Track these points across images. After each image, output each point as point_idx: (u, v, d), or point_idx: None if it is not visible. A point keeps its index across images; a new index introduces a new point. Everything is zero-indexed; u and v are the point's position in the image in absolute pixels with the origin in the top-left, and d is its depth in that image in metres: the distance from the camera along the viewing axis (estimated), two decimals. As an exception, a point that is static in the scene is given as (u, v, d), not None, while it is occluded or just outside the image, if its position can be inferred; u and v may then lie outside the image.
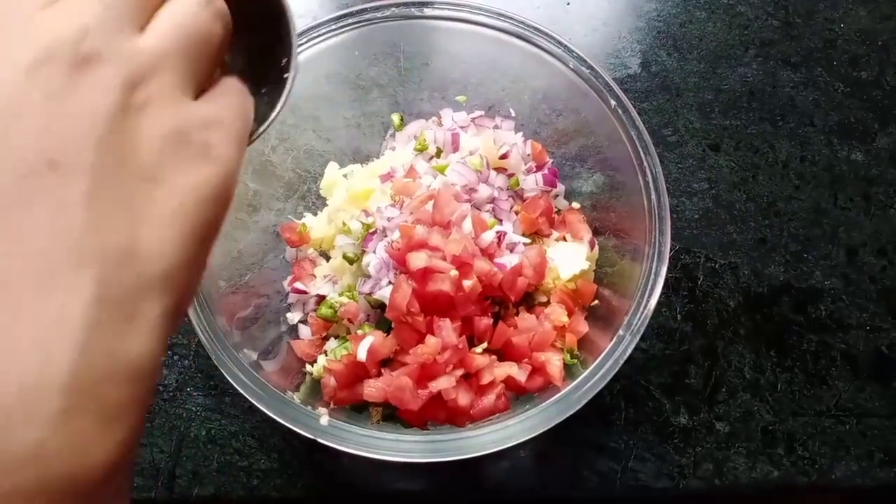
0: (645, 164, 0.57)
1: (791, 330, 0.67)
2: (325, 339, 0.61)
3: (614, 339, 0.53)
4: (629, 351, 0.52)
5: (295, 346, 0.60)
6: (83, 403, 0.25)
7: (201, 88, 0.32)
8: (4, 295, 0.25)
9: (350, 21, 0.62)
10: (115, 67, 0.28)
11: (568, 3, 0.81)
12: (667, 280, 0.67)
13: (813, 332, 0.67)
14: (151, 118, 0.29)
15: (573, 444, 0.63)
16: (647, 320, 0.53)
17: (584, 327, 0.60)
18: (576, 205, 0.67)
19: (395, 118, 0.70)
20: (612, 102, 0.58)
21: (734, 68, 0.79)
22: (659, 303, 0.66)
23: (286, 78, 0.38)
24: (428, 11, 0.62)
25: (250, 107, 0.35)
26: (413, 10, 0.62)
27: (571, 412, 0.51)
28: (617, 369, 0.52)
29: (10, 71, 0.27)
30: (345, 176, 0.66)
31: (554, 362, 0.57)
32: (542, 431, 0.51)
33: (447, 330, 0.55)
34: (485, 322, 0.58)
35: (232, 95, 0.33)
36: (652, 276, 0.54)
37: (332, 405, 0.56)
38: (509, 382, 0.57)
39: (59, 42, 0.27)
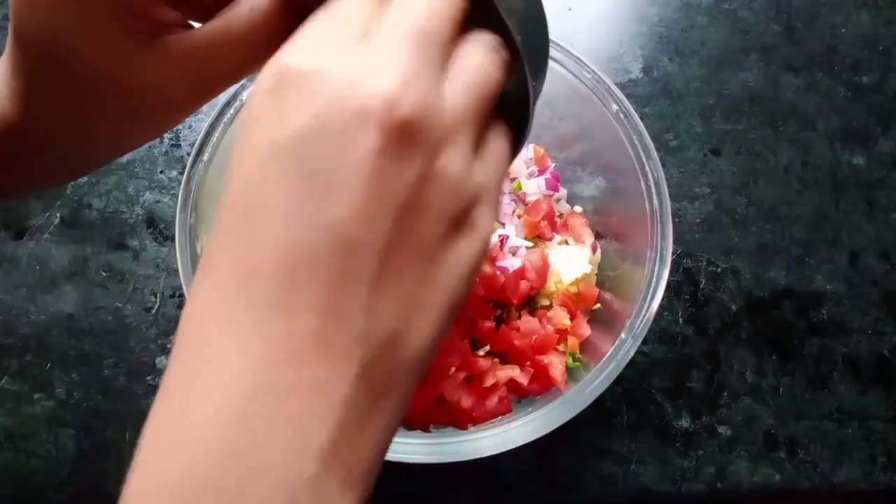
0: (647, 168, 0.57)
1: (793, 334, 0.67)
2: None
3: (616, 343, 0.53)
4: (631, 354, 0.52)
5: None
6: (331, 472, 0.26)
7: (480, 142, 0.30)
8: (276, 369, 0.25)
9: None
10: (424, 136, 0.26)
11: (570, 9, 0.81)
12: (668, 284, 0.67)
13: (815, 337, 0.67)
14: (440, 192, 0.27)
15: (575, 448, 0.63)
16: (650, 324, 0.53)
17: (586, 331, 0.60)
18: (578, 209, 0.67)
19: None
20: (614, 107, 0.59)
21: (735, 73, 0.79)
22: (661, 306, 0.66)
23: (524, 129, 0.33)
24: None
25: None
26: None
27: (573, 415, 0.51)
28: (619, 372, 0.52)
29: (329, 119, 0.25)
30: None
31: (556, 365, 0.57)
32: (544, 434, 0.51)
33: (451, 333, 0.55)
34: (487, 325, 0.58)
35: (503, 149, 0.31)
36: (654, 280, 0.54)
37: None
38: (512, 385, 0.57)
39: (374, 98, 0.25)
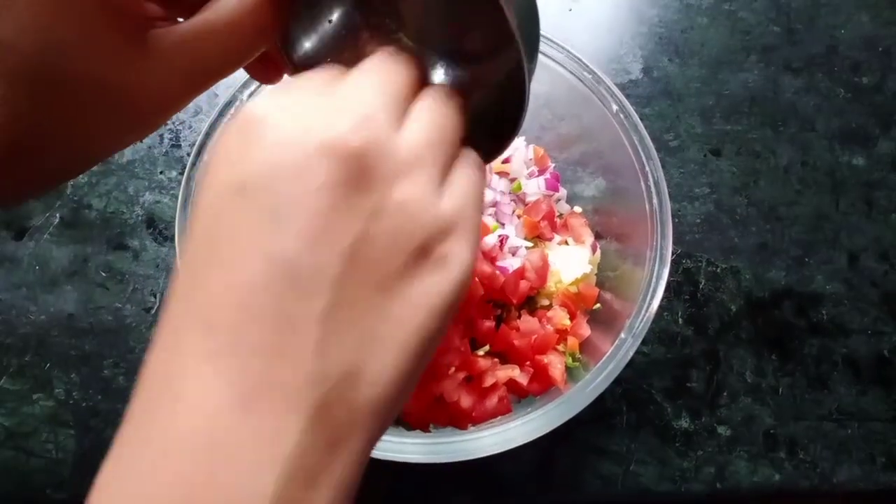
0: (647, 168, 0.57)
1: (793, 334, 0.67)
2: None
3: (616, 342, 0.53)
4: (631, 353, 0.52)
5: None
6: None
7: (443, 178, 0.30)
8: (224, 419, 0.25)
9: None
10: (378, 170, 0.27)
11: (570, 10, 0.81)
12: (668, 284, 0.67)
13: (814, 337, 0.67)
14: (396, 224, 0.27)
15: (575, 448, 0.63)
16: (649, 323, 0.53)
17: (586, 331, 0.60)
18: (578, 209, 0.67)
19: None
20: (615, 107, 0.59)
21: (735, 74, 0.79)
22: (660, 307, 0.66)
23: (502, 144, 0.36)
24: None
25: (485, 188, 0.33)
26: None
27: (573, 414, 0.51)
28: (619, 372, 0.52)
29: (298, 150, 0.26)
30: None
31: (556, 365, 0.57)
32: (543, 434, 0.51)
33: (450, 337, 0.55)
34: (487, 325, 0.58)
35: (472, 182, 0.31)
36: (654, 280, 0.54)
37: None
38: (511, 385, 0.57)
39: (328, 137, 0.26)
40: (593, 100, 0.60)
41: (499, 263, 0.58)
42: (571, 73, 0.61)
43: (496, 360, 0.58)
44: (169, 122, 0.68)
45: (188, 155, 0.67)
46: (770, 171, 0.74)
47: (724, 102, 0.77)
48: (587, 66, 0.60)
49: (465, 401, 0.54)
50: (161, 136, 0.70)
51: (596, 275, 0.63)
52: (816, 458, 0.63)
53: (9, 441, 0.64)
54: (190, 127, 0.71)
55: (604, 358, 0.52)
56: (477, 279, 0.55)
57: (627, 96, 0.74)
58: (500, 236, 0.60)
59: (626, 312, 0.54)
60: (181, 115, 0.70)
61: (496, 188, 0.63)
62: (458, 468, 0.60)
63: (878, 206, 0.72)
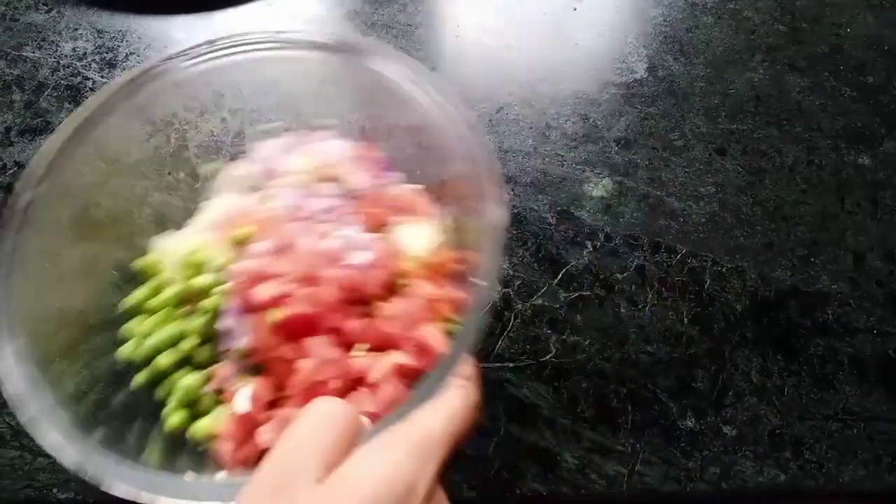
0: (460, 126, 0.56)
1: (798, 334, 0.67)
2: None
3: (473, 288, 0.51)
4: (494, 297, 0.51)
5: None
6: None
7: None
8: None
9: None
10: None
11: (574, 9, 0.82)
12: (673, 284, 0.68)
13: (820, 337, 0.67)
14: None
15: (579, 447, 0.63)
16: (496, 265, 0.51)
17: (453, 293, 0.59)
18: (413, 186, 0.66)
19: (206, 170, 0.67)
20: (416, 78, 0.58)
21: (741, 73, 0.79)
22: (665, 307, 0.67)
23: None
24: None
25: None
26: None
27: (457, 362, 0.50)
28: (482, 317, 0.49)
29: None
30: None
31: (433, 333, 0.55)
32: (440, 386, 0.50)
33: (318, 346, 0.53)
34: (353, 324, 0.56)
35: None
36: (493, 222, 0.52)
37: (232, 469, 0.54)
38: (403, 371, 0.55)
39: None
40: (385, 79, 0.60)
41: (348, 262, 0.58)
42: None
43: (377, 354, 0.56)
44: (175, 121, 0.67)
45: (196, 156, 0.67)
46: (775, 171, 0.74)
47: (729, 102, 0.77)
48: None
49: (364, 404, 0.53)
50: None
51: (448, 240, 0.63)
52: (822, 458, 0.63)
53: (14, 440, 0.64)
54: (196, 127, 0.71)
55: (469, 305, 0.51)
56: (328, 285, 0.54)
57: (632, 96, 0.75)
58: (342, 237, 0.58)
59: (482, 262, 0.54)
60: (188, 115, 0.70)
61: (326, 194, 0.63)
62: (458, 466, 0.60)
63: (884, 206, 0.72)
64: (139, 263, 0.62)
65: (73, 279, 0.61)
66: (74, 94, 0.62)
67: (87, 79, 0.64)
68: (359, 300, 0.58)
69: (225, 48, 0.61)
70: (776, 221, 0.72)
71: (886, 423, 0.65)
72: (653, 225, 0.71)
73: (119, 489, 0.47)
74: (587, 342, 0.66)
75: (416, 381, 0.56)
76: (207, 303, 0.57)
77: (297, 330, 0.54)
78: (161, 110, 0.63)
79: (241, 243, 0.58)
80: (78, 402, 0.54)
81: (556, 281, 0.68)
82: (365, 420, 0.42)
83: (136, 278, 0.63)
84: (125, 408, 0.58)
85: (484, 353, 0.66)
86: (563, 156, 0.73)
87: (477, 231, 0.58)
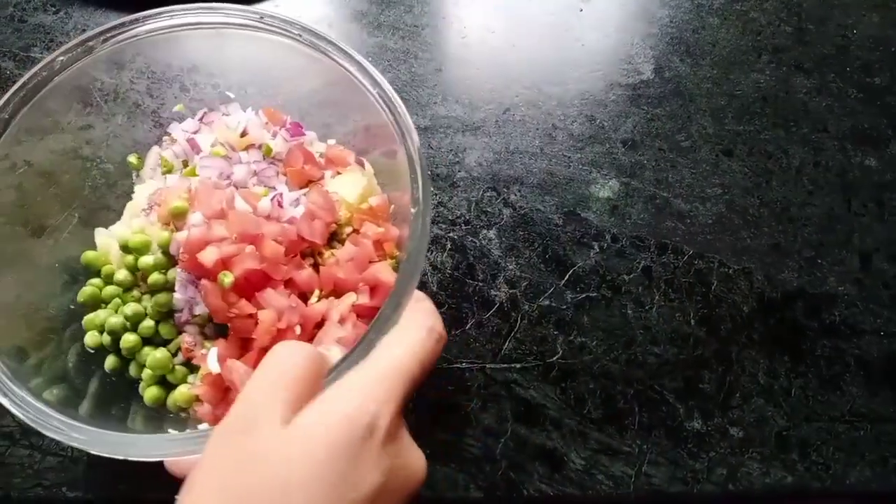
0: (364, 82, 0.58)
1: (805, 335, 0.67)
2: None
3: (412, 216, 0.53)
4: (427, 218, 0.52)
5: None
6: None
7: None
8: None
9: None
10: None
11: (581, 10, 0.82)
12: (680, 285, 0.68)
13: (827, 338, 0.67)
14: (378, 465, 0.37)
15: (586, 447, 0.63)
16: (424, 189, 0.53)
17: (394, 230, 0.61)
18: (332, 141, 0.68)
19: (133, 158, 0.68)
20: (301, 35, 0.60)
21: (747, 74, 0.79)
22: (672, 308, 0.67)
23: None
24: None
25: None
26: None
27: (412, 287, 0.49)
28: (427, 235, 0.51)
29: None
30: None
31: (382, 270, 0.58)
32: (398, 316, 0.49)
33: (273, 297, 0.55)
34: (305, 273, 0.58)
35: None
36: (412, 153, 0.55)
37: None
38: (360, 311, 0.57)
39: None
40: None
41: (285, 218, 0.59)
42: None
43: (332, 299, 0.58)
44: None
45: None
46: (782, 172, 0.74)
47: (735, 103, 0.77)
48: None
49: (329, 343, 0.54)
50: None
51: (378, 185, 0.65)
52: (829, 459, 0.63)
53: (24, 439, 0.64)
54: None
55: (408, 239, 0.52)
56: (271, 241, 0.56)
57: (639, 97, 0.75)
58: (273, 197, 0.60)
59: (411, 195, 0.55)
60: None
61: (248, 161, 0.64)
62: (465, 465, 0.60)
63: (891, 208, 0.72)
64: (85, 257, 0.63)
65: (36, 281, 0.62)
66: (82, 95, 0.63)
67: (96, 80, 0.64)
68: (304, 252, 0.60)
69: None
70: (783, 223, 0.72)
71: (893, 424, 0.65)
72: (659, 226, 0.71)
73: (102, 450, 0.48)
74: (594, 343, 0.66)
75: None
76: (155, 281, 0.59)
77: (250, 286, 0.56)
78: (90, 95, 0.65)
79: (176, 217, 0.59)
80: (57, 388, 0.56)
81: (562, 282, 0.69)
82: (331, 355, 0.43)
83: (85, 272, 0.64)
84: (103, 388, 0.59)
85: (491, 354, 0.66)
86: (569, 157, 0.73)
87: (400, 168, 0.59)
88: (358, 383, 0.39)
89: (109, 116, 0.68)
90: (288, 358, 0.40)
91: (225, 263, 0.55)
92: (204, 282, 0.55)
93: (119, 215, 0.68)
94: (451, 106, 0.76)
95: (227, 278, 0.54)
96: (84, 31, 0.82)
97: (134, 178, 0.69)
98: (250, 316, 0.55)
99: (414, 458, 0.41)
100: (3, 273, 0.58)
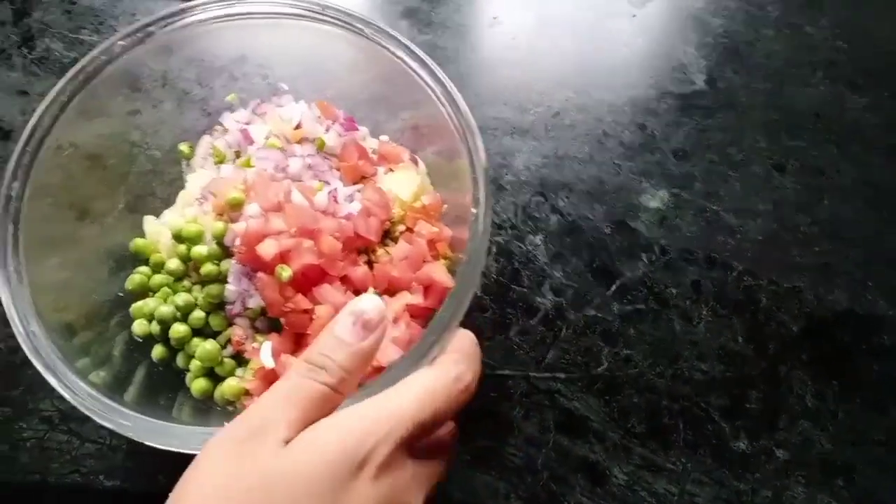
0: (428, 79, 0.58)
1: (853, 358, 0.66)
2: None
3: (473, 216, 0.53)
4: (488, 220, 0.52)
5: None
6: None
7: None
8: None
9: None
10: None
11: (634, 16, 0.80)
12: (729, 301, 0.67)
13: (875, 361, 0.66)
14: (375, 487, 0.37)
15: (630, 464, 0.62)
16: (487, 190, 0.53)
17: (447, 231, 0.61)
18: (384, 137, 0.68)
19: (184, 147, 0.68)
20: (363, 28, 0.60)
21: (800, 89, 0.78)
22: (720, 324, 0.66)
23: None
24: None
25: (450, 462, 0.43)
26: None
27: (472, 290, 0.50)
28: (488, 237, 0.51)
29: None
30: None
31: (437, 270, 0.57)
32: (458, 320, 0.49)
33: (330, 292, 0.55)
34: (361, 271, 0.58)
35: (437, 459, 0.42)
36: (474, 154, 0.54)
37: None
38: (413, 311, 0.57)
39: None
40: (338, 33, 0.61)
41: (342, 214, 0.59)
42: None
43: (386, 296, 0.58)
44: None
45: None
46: (834, 190, 0.73)
47: (788, 118, 0.76)
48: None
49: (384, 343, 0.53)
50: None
51: (431, 184, 0.65)
52: (875, 485, 0.62)
53: (62, 423, 0.64)
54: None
55: (469, 241, 0.52)
56: (328, 235, 0.56)
57: (691, 107, 0.74)
58: (329, 192, 0.60)
59: (468, 197, 0.54)
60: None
61: (302, 154, 0.63)
62: (503, 474, 0.60)
63: (944, 231, 0.71)
64: (134, 245, 0.63)
65: (80, 265, 0.62)
66: (131, 80, 0.62)
67: (145, 65, 0.63)
68: (359, 249, 0.59)
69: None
70: (833, 242, 0.71)
71: (942, 453, 0.64)
72: (709, 240, 0.70)
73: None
74: (640, 356, 0.65)
75: (427, 319, 0.57)
76: (208, 271, 0.58)
77: (306, 281, 0.55)
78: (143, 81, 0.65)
79: (233, 208, 0.59)
80: (104, 371, 0.56)
81: (609, 292, 0.68)
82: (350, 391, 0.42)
83: (134, 260, 0.64)
84: (150, 376, 0.59)
85: (534, 362, 0.65)
86: (619, 165, 0.73)
87: (454, 167, 0.59)
88: (364, 416, 0.38)
89: (157, 103, 0.68)
90: (306, 374, 0.40)
91: (283, 257, 0.54)
92: (261, 275, 0.54)
93: (165, 203, 0.68)
94: (499, 108, 0.76)
95: (286, 272, 0.53)
96: (133, 14, 0.81)
97: (184, 166, 0.68)
98: (305, 311, 0.54)
99: (413, 499, 0.40)
100: (50, 254, 0.58)
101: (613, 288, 0.68)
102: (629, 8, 0.81)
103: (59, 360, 0.52)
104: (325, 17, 0.61)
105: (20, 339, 0.52)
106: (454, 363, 0.43)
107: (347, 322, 0.41)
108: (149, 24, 0.60)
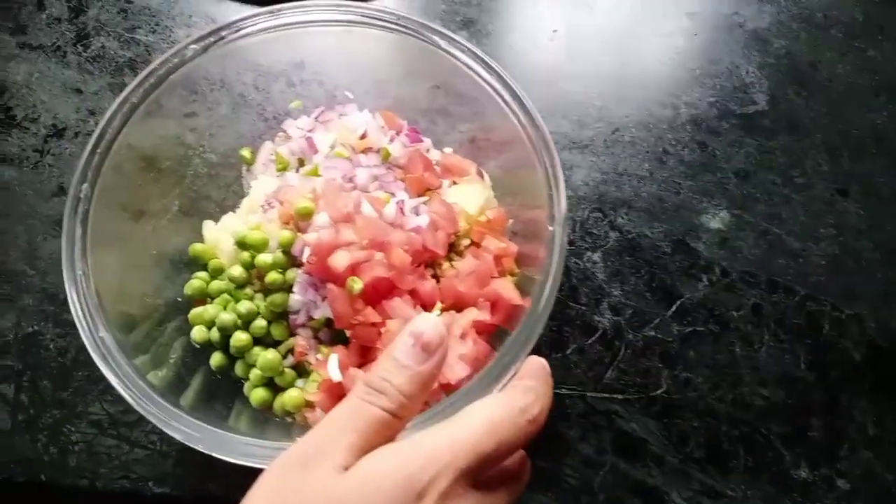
0: (505, 94, 0.58)
1: (917, 388, 0.65)
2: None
3: (550, 234, 0.52)
4: (564, 236, 0.52)
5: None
6: None
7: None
8: None
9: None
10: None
11: (696, 34, 0.79)
12: (790, 326, 0.66)
13: (940, 393, 0.65)
14: None
15: (688, 489, 0.61)
16: (565, 204, 0.53)
17: (513, 246, 0.60)
18: (448, 149, 0.67)
19: (245, 152, 0.68)
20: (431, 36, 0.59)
21: (863, 113, 0.76)
22: (782, 349, 0.64)
23: None
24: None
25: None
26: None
27: (548, 310, 0.50)
28: (564, 255, 0.51)
29: None
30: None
31: (505, 286, 0.56)
32: (533, 342, 0.49)
33: (401, 307, 0.54)
34: (429, 285, 0.57)
35: (503, 490, 0.41)
36: (549, 169, 0.54)
37: None
38: (479, 327, 0.56)
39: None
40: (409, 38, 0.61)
41: (409, 226, 0.58)
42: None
43: (453, 312, 0.57)
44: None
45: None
46: (896, 217, 0.71)
47: (851, 141, 0.75)
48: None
49: (449, 358, 0.52)
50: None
51: (495, 196, 0.64)
52: (940, 521, 0.61)
53: (112, 428, 0.63)
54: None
55: (548, 254, 0.51)
56: (398, 248, 0.55)
57: (752, 128, 0.73)
58: (396, 203, 0.59)
59: (538, 212, 0.54)
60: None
61: (368, 164, 0.63)
62: (559, 489, 0.59)
63: None
64: (193, 250, 0.62)
65: (136, 267, 0.61)
66: (187, 82, 0.62)
67: (202, 67, 0.63)
68: (425, 262, 0.58)
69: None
70: (896, 269, 0.69)
71: None
72: (771, 263, 0.68)
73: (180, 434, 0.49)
74: (700, 380, 0.64)
75: (492, 336, 0.57)
76: (273, 280, 0.57)
77: (375, 294, 0.55)
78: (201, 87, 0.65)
79: (302, 218, 0.58)
80: (162, 372, 0.55)
81: (669, 313, 0.67)
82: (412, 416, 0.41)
83: (190, 264, 0.63)
84: (207, 383, 0.58)
85: (592, 382, 0.64)
86: (679, 183, 0.71)
87: (522, 181, 0.58)
88: (424, 444, 0.37)
89: (214, 105, 0.67)
90: (364, 397, 0.39)
91: (353, 269, 0.53)
92: (331, 286, 0.54)
93: (220, 206, 0.68)
94: (558, 122, 0.75)
95: (357, 284, 0.52)
96: (190, 16, 0.81)
97: (243, 171, 0.68)
98: (374, 324, 0.53)
99: None
100: (109, 257, 0.57)
101: (673, 308, 0.67)
102: (691, 26, 0.80)
103: (131, 370, 0.51)
104: (391, 25, 0.60)
105: (88, 344, 0.51)
106: (523, 393, 0.41)
107: (407, 344, 0.40)
108: (222, 29, 0.60)
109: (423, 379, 0.40)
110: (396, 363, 0.39)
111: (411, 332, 0.40)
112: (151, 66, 0.59)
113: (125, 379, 0.50)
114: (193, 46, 0.59)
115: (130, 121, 0.58)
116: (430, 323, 0.40)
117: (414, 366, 0.39)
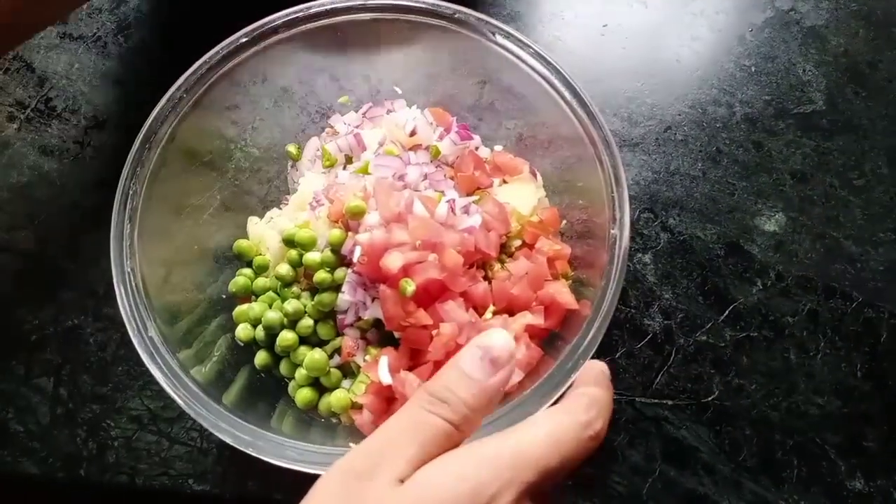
0: (564, 92, 0.56)
1: (979, 401, 0.62)
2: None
3: (610, 237, 0.51)
4: (626, 240, 0.51)
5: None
6: None
7: None
8: None
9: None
10: None
11: (751, 30, 0.77)
12: (847, 333, 0.63)
13: None
14: None
15: (740, 500, 0.59)
16: (628, 210, 0.52)
17: (568, 248, 0.59)
18: (498, 147, 0.66)
19: (291, 148, 0.66)
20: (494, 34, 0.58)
21: (924, 114, 0.74)
22: (838, 357, 0.62)
23: None
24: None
25: None
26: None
27: (609, 317, 0.49)
28: (626, 261, 0.51)
29: None
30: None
31: (561, 290, 0.55)
32: (594, 349, 0.48)
33: (454, 310, 0.53)
34: (482, 288, 0.55)
35: None
36: (610, 169, 0.53)
37: None
38: (531, 331, 0.55)
39: None
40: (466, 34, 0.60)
41: (462, 226, 0.56)
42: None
43: (506, 315, 0.56)
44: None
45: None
46: (958, 223, 0.69)
47: (912, 144, 0.72)
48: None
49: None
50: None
51: (547, 196, 0.63)
52: None
53: (152, 424, 0.62)
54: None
55: (610, 258, 0.51)
56: (451, 249, 0.53)
57: (809, 128, 0.70)
58: (448, 202, 0.57)
59: (595, 212, 0.53)
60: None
61: (418, 162, 0.61)
62: (607, 496, 0.57)
63: None
64: (238, 246, 0.61)
65: (179, 263, 0.60)
66: (230, 75, 0.62)
67: (246, 61, 0.62)
68: (476, 264, 0.57)
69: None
70: (958, 277, 0.67)
71: None
72: (828, 268, 0.66)
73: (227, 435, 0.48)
74: (753, 387, 0.62)
75: (544, 340, 0.55)
76: (322, 279, 0.56)
77: (427, 296, 0.53)
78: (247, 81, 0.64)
79: (353, 217, 0.56)
80: (206, 368, 0.54)
81: (721, 318, 0.65)
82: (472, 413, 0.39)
83: (233, 260, 0.62)
84: (250, 382, 0.57)
85: (641, 387, 0.63)
86: (734, 184, 0.69)
87: (579, 183, 0.56)
88: (485, 457, 0.36)
89: (256, 99, 0.66)
90: (427, 406, 0.37)
91: (406, 270, 0.52)
92: (383, 288, 0.52)
93: (262, 202, 0.67)
94: (609, 119, 0.73)
95: (410, 286, 0.51)
96: (232, 9, 0.80)
97: (289, 167, 0.67)
98: (425, 327, 0.52)
99: None
100: (154, 253, 0.57)
101: (726, 313, 0.65)
102: (746, 22, 0.78)
103: (178, 369, 0.50)
104: (442, 17, 0.59)
105: (136, 344, 0.50)
106: (585, 408, 0.39)
107: (475, 356, 0.38)
108: (273, 22, 0.59)
109: (489, 393, 0.38)
110: (463, 374, 0.38)
111: (479, 344, 0.39)
112: (200, 62, 0.58)
113: (174, 379, 0.49)
114: (242, 40, 0.58)
115: (178, 116, 0.57)
116: (500, 337, 0.39)
117: (481, 379, 0.38)
